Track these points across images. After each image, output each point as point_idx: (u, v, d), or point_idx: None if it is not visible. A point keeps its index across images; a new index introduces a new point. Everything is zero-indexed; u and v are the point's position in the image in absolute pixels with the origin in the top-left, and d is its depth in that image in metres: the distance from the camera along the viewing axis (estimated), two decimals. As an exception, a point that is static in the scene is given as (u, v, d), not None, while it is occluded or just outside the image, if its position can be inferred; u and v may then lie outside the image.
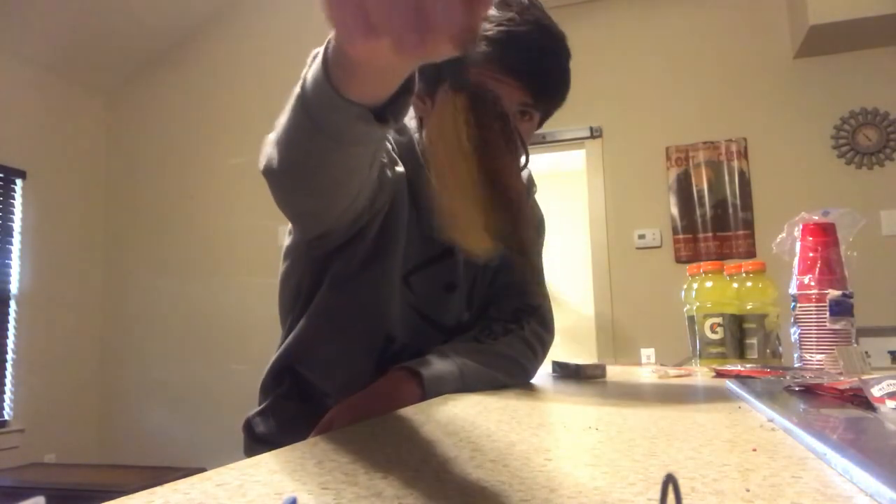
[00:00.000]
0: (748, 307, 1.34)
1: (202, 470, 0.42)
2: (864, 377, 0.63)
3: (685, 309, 1.43)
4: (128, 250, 4.43)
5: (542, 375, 1.18)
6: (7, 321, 3.82)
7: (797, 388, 0.73)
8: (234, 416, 1.20)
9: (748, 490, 0.34)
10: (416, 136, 0.94)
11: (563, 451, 0.46)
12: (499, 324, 0.99)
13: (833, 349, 1.01)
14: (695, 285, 1.40)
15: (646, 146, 3.56)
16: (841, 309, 1.03)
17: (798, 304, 1.08)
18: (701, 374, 1.13)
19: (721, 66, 3.50)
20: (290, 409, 0.97)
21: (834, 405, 0.62)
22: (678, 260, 3.41)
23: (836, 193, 3.20)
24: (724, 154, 3.42)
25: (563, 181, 6.57)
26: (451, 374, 0.85)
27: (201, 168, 4.24)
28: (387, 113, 0.58)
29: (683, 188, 3.46)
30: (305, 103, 0.60)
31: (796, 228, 1.10)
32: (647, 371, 1.22)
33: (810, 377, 0.83)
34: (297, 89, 0.62)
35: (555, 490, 0.35)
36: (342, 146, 0.61)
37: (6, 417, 3.76)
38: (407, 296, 0.90)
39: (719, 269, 1.40)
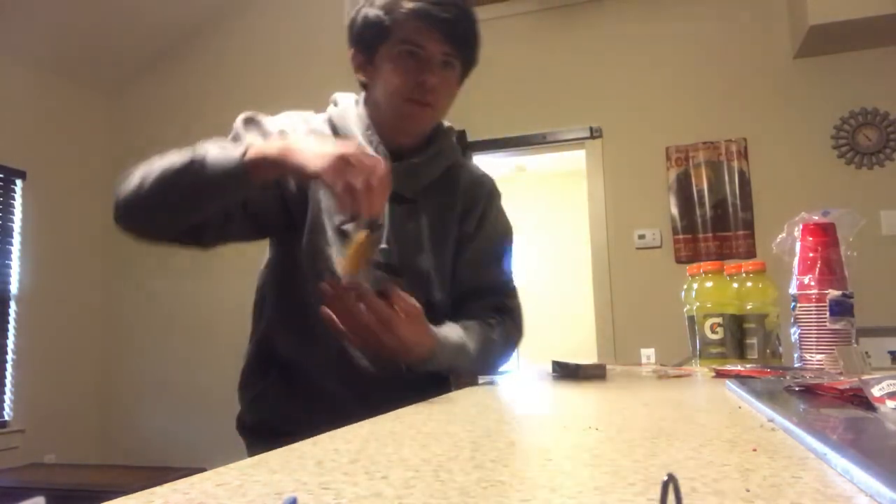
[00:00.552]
0: (748, 307, 1.34)
1: (202, 470, 0.42)
2: (864, 377, 0.63)
3: (685, 309, 1.43)
4: (128, 250, 4.42)
5: (543, 375, 1.18)
6: (7, 321, 3.82)
7: (797, 388, 0.73)
8: (233, 417, 1.21)
9: (748, 490, 0.34)
10: (354, 108, 1.11)
11: (563, 451, 0.46)
12: (482, 315, 1.10)
13: (833, 349, 1.01)
14: (695, 285, 1.40)
15: (646, 146, 3.56)
16: (841, 309, 1.03)
17: (798, 304, 1.08)
18: (701, 374, 1.13)
19: (721, 66, 3.50)
20: (282, 394, 1.07)
21: (834, 405, 0.62)
22: (678, 260, 3.41)
23: (836, 193, 3.20)
24: (724, 154, 3.42)
25: (563, 181, 6.57)
26: (458, 346, 1.00)
27: (201, 168, 4.25)
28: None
29: (683, 188, 3.46)
30: (209, 163, 0.88)
31: (796, 228, 1.10)
32: (647, 371, 1.22)
33: (810, 377, 0.83)
34: (199, 154, 0.90)
35: (555, 490, 0.35)
36: (217, 198, 0.92)
37: (6, 418, 3.76)
38: (344, 242, 1.00)
39: (719, 269, 1.40)
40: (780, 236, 1.13)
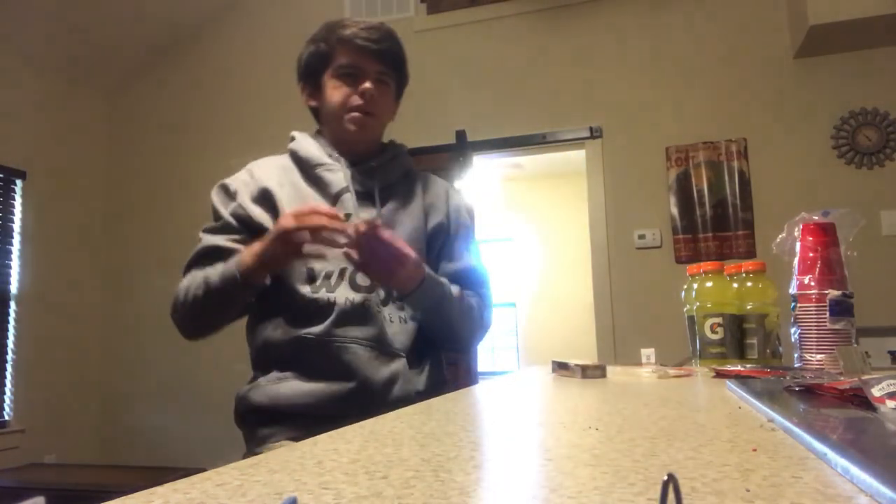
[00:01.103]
0: (748, 307, 1.34)
1: (202, 470, 0.42)
2: (864, 377, 0.63)
3: (685, 309, 1.43)
4: (128, 250, 4.43)
5: (543, 375, 1.18)
6: (7, 321, 3.82)
7: (797, 388, 0.73)
8: (234, 417, 1.21)
9: (748, 490, 0.34)
10: (310, 137, 1.29)
11: (563, 451, 0.46)
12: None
13: (833, 349, 1.01)
14: (695, 285, 1.40)
15: (646, 146, 3.56)
16: (841, 309, 1.03)
17: (798, 304, 1.08)
18: (701, 374, 1.13)
19: (721, 66, 3.50)
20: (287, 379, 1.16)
21: (834, 405, 0.62)
22: (678, 260, 3.41)
23: (836, 193, 3.20)
24: (724, 154, 3.42)
25: (563, 181, 6.57)
26: (444, 288, 1.18)
27: (201, 168, 4.24)
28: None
29: (683, 188, 3.46)
30: (221, 283, 1.10)
31: (796, 228, 1.10)
32: (647, 371, 1.22)
33: (810, 377, 0.83)
34: (212, 284, 1.11)
35: (555, 490, 0.35)
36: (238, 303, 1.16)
37: (6, 418, 3.76)
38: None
39: (719, 269, 1.40)
40: (780, 236, 1.13)
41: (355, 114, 1.21)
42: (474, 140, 3.78)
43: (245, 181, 1.23)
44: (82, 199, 4.35)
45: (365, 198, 1.23)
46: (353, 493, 0.35)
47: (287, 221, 1.03)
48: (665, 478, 0.27)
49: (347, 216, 1.17)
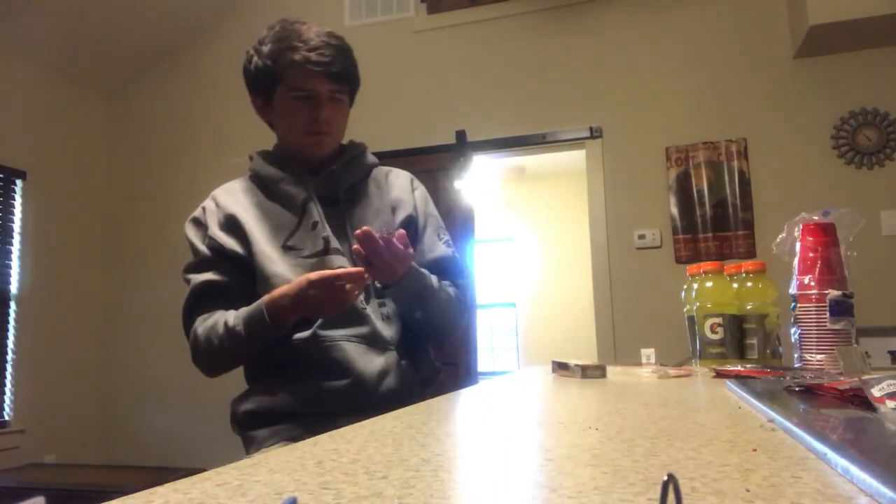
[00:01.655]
0: (748, 307, 1.34)
1: (202, 470, 0.42)
2: (864, 377, 0.63)
3: (685, 309, 1.43)
4: (127, 250, 4.43)
5: (543, 375, 1.18)
6: (7, 321, 3.82)
7: (797, 389, 0.73)
8: (230, 424, 1.21)
9: (748, 490, 0.34)
10: (265, 159, 1.30)
11: (563, 451, 0.46)
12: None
13: (833, 349, 1.01)
14: (695, 285, 1.40)
15: (646, 146, 3.56)
16: (841, 309, 1.03)
17: (798, 305, 1.08)
18: (701, 375, 1.13)
19: (721, 66, 3.50)
20: (277, 384, 1.17)
21: (834, 405, 0.62)
22: (678, 260, 3.41)
23: (836, 193, 3.20)
24: (724, 154, 3.42)
25: (563, 181, 6.57)
26: (425, 279, 1.19)
27: (202, 168, 4.25)
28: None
29: (683, 188, 3.46)
30: (249, 333, 1.12)
31: (796, 228, 1.10)
32: (647, 371, 1.22)
33: (810, 377, 0.83)
34: (240, 330, 1.12)
35: (555, 490, 0.35)
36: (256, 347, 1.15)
37: (6, 418, 3.76)
38: (293, 254, 1.19)
39: (719, 269, 1.40)
40: (780, 236, 1.13)
41: (311, 136, 1.23)
42: (474, 140, 3.78)
43: (212, 210, 1.25)
44: (82, 199, 4.35)
45: (330, 203, 1.24)
46: (353, 493, 0.35)
47: (316, 280, 1.05)
48: (665, 478, 0.27)
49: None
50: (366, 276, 1.08)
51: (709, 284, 1.38)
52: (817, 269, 1.05)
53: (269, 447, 1.11)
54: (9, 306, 3.83)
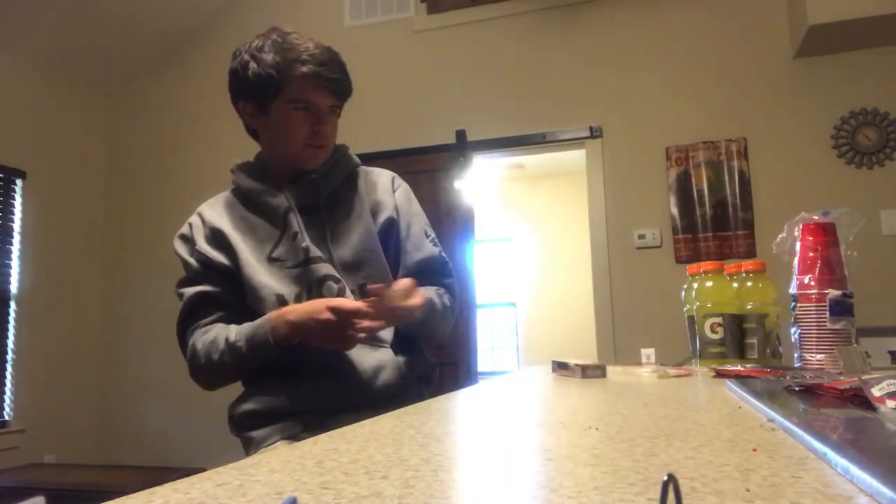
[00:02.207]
0: (748, 307, 1.34)
1: (202, 470, 0.42)
2: (864, 377, 0.63)
3: (685, 309, 1.43)
4: (127, 250, 4.43)
5: (543, 375, 1.18)
6: (7, 321, 3.82)
7: (797, 388, 0.73)
8: (228, 426, 1.21)
9: (748, 490, 0.34)
10: (247, 174, 1.29)
11: (563, 451, 0.46)
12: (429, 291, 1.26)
13: (833, 349, 1.01)
14: (695, 285, 1.40)
15: (646, 146, 3.56)
16: (841, 309, 1.03)
17: (798, 304, 1.08)
18: (701, 374, 1.13)
19: (721, 66, 3.50)
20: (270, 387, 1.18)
21: (834, 405, 0.62)
22: (678, 260, 3.41)
23: (836, 193, 3.20)
24: (724, 154, 3.42)
25: (563, 181, 6.57)
26: (430, 304, 1.19)
27: (201, 168, 4.25)
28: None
29: (683, 188, 3.46)
30: (251, 350, 1.11)
31: (796, 228, 1.10)
32: (647, 371, 1.22)
33: (810, 377, 0.83)
34: (241, 346, 1.12)
35: (555, 490, 0.35)
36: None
37: (6, 417, 3.76)
38: (278, 265, 1.20)
39: (719, 269, 1.40)
40: (780, 236, 1.13)
41: (309, 149, 1.23)
42: (474, 140, 3.78)
43: (198, 226, 1.25)
44: (82, 199, 4.35)
45: (310, 211, 1.24)
46: (353, 493, 0.35)
47: (326, 313, 1.06)
48: (665, 478, 0.27)
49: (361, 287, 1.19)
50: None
51: (709, 284, 1.38)
52: (817, 269, 1.05)
53: (269, 446, 1.11)
54: (9, 306, 3.83)
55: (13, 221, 3.91)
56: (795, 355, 1.10)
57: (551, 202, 6.80)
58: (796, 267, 1.09)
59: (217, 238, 1.22)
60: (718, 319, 1.34)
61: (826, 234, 1.07)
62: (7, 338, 3.81)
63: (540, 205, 6.87)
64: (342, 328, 1.05)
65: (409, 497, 0.34)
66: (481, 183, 6.07)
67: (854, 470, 0.34)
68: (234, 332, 1.13)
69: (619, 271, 3.53)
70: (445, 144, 3.79)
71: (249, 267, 1.18)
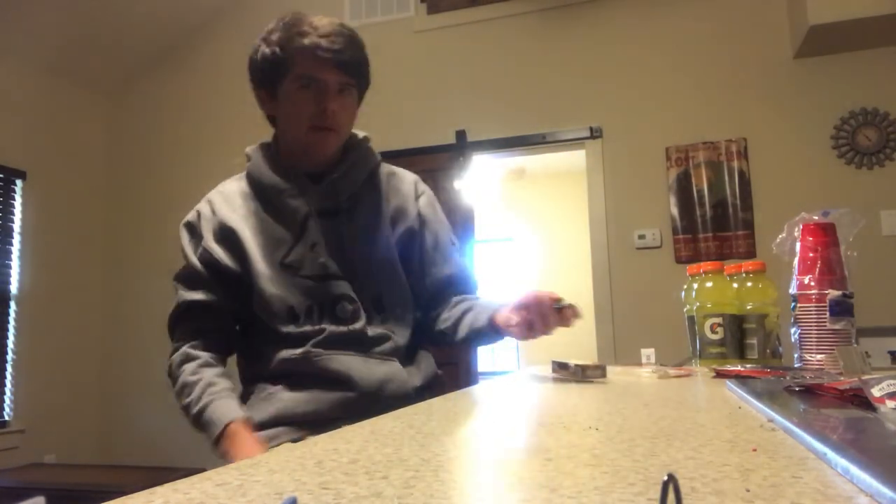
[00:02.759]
0: (748, 307, 1.34)
1: (202, 470, 0.42)
2: (864, 377, 0.63)
3: (685, 309, 1.43)
4: (128, 250, 4.43)
5: (543, 375, 1.18)
6: (7, 321, 3.82)
7: (797, 388, 0.73)
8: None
9: (748, 490, 0.34)
10: (264, 159, 1.22)
11: (563, 451, 0.46)
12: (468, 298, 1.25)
13: (833, 349, 1.01)
14: (695, 285, 1.40)
15: (646, 146, 3.56)
16: (841, 309, 1.03)
17: (798, 304, 1.08)
18: (701, 374, 1.13)
19: (721, 66, 3.50)
20: (271, 389, 1.15)
21: (834, 405, 0.62)
22: (678, 260, 3.41)
23: (836, 193, 3.20)
24: (724, 154, 3.42)
25: (563, 181, 6.57)
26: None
27: (202, 168, 4.24)
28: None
29: (683, 188, 3.46)
30: (196, 426, 1.13)
31: (796, 228, 1.10)
32: (647, 371, 1.22)
33: (810, 377, 0.83)
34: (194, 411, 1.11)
35: (555, 490, 0.35)
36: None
37: (6, 418, 3.76)
38: (291, 273, 1.14)
39: (719, 269, 1.40)
40: (780, 236, 1.13)
41: (316, 132, 1.15)
42: (474, 140, 3.78)
43: (207, 217, 1.19)
44: (82, 199, 4.35)
45: (329, 214, 1.18)
46: (353, 493, 0.35)
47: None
48: (665, 478, 0.27)
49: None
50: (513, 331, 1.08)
51: (709, 284, 1.38)
52: (817, 269, 1.05)
53: (272, 447, 1.11)
54: (9, 306, 3.83)
55: (13, 221, 3.91)
56: (795, 355, 1.10)
57: (551, 202, 6.80)
58: (796, 267, 1.09)
59: (227, 236, 1.16)
60: (718, 320, 1.34)
61: (826, 235, 1.07)
62: (7, 338, 3.81)
63: (540, 205, 6.87)
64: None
65: (409, 497, 0.34)
66: (481, 183, 6.07)
67: (854, 470, 0.34)
68: (197, 397, 1.10)
69: (619, 271, 3.53)
70: (445, 144, 3.79)
71: (259, 273, 1.13)
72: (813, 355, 1.05)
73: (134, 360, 4.27)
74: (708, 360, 1.34)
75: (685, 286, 1.43)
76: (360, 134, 1.28)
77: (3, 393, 3.76)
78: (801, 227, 1.09)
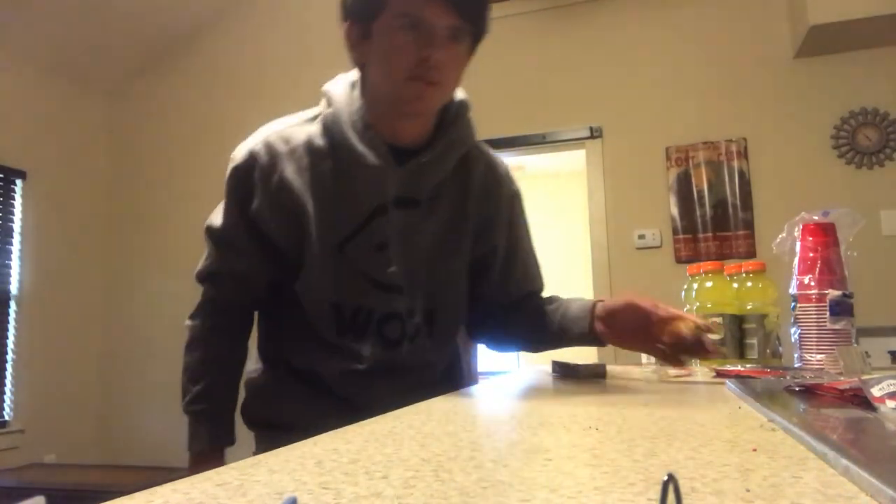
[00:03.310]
0: (748, 307, 1.34)
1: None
2: (864, 377, 0.63)
3: (685, 309, 1.43)
4: (128, 250, 4.43)
5: (543, 375, 1.18)
6: (7, 321, 3.82)
7: (797, 388, 0.73)
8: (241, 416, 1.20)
9: (748, 490, 0.34)
10: (347, 106, 0.99)
11: (563, 451, 0.46)
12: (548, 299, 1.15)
13: (833, 349, 1.01)
14: (695, 285, 1.40)
15: (646, 146, 3.56)
16: (841, 309, 1.03)
17: (798, 304, 1.08)
18: (701, 374, 1.13)
19: (721, 66, 3.50)
20: (290, 386, 1.08)
21: (834, 405, 0.62)
22: (678, 260, 3.41)
23: (836, 193, 3.20)
24: (724, 154, 3.42)
25: (563, 181, 6.57)
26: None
27: (202, 168, 4.24)
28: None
29: (683, 188, 3.46)
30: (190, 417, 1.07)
31: (796, 228, 1.10)
32: (647, 371, 1.22)
33: (810, 377, 0.83)
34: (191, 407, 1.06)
35: (555, 490, 0.35)
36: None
37: (6, 417, 3.76)
38: (345, 262, 0.99)
39: (719, 269, 1.40)
40: (780, 236, 1.13)
41: (416, 84, 0.91)
42: (474, 140, 3.77)
43: (265, 169, 0.98)
44: (82, 199, 4.34)
45: (407, 205, 0.99)
46: (353, 493, 0.35)
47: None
48: (665, 478, 0.27)
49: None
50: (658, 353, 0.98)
51: (709, 284, 1.38)
52: (817, 269, 1.05)
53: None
54: (9, 306, 3.83)
55: (13, 221, 3.90)
56: (795, 355, 1.10)
57: (551, 202, 6.80)
58: (796, 267, 1.09)
59: (288, 203, 0.97)
60: (718, 320, 1.34)
61: (826, 235, 1.07)
62: (7, 338, 3.81)
63: (540, 205, 6.86)
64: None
65: (409, 497, 0.34)
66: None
67: (854, 470, 0.34)
68: (197, 396, 1.04)
69: (619, 271, 3.53)
70: (445, 144, 3.79)
71: (315, 260, 0.98)
72: (813, 355, 1.05)
73: (134, 360, 4.27)
74: (708, 360, 1.34)
75: (685, 286, 1.43)
76: (460, 95, 1.06)
77: (3, 393, 3.76)
78: (801, 227, 1.10)
